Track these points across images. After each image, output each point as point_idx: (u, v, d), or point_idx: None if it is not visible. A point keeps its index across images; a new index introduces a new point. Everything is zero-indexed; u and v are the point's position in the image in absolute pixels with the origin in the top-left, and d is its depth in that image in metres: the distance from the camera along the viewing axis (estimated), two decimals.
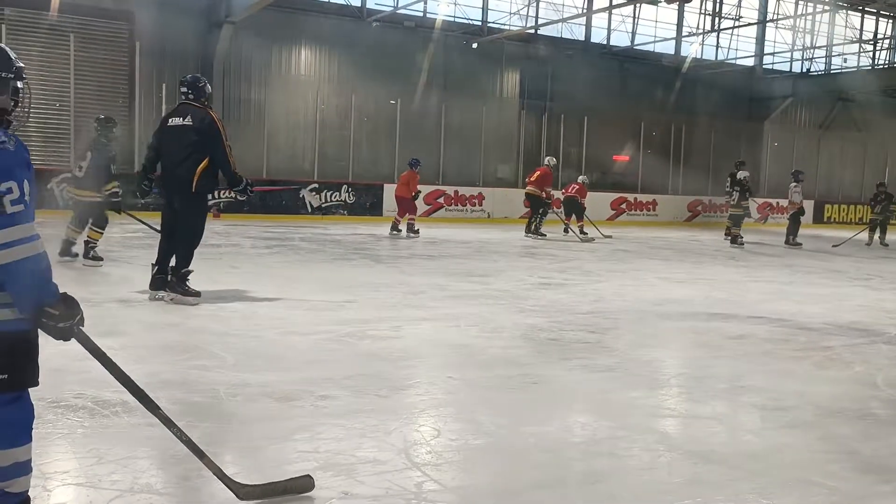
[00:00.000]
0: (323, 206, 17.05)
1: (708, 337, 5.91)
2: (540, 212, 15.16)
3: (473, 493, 2.81)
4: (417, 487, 2.77)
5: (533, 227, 15.04)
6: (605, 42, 23.75)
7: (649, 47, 24.18)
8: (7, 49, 2.27)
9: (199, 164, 6.11)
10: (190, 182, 6.09)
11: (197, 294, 6.18)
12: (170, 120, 6.37)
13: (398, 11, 19.96)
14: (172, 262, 6.25)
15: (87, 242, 8.30)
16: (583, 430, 3.60)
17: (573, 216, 15.79)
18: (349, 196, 17.39)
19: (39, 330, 2.15)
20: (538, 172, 15.18)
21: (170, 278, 6.16)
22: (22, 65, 2.29)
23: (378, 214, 17.45)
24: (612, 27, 23.63)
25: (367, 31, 19.80)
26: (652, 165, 22.70)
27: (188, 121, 6.19)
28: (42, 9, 15.83)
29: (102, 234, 8.46)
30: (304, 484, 2.67)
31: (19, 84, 2.26)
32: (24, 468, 2.19)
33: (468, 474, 2.99)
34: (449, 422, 3.62)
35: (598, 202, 20.67)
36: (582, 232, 15.27)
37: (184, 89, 6.41)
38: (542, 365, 4.77)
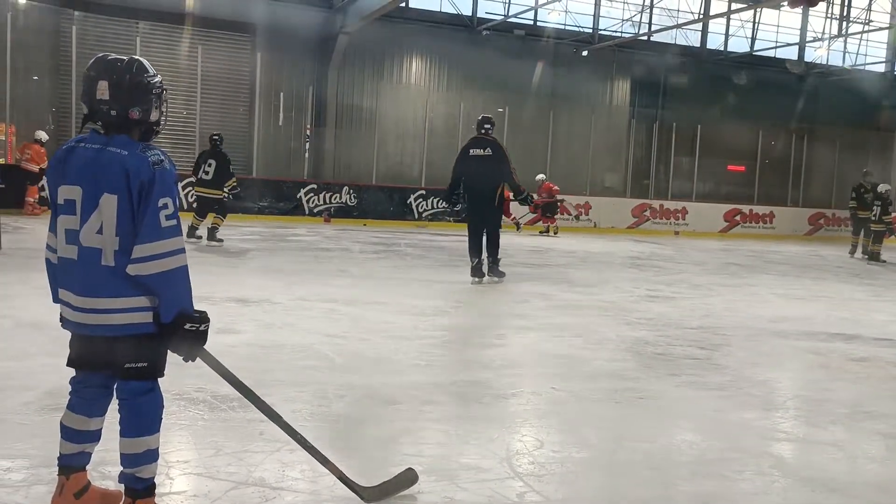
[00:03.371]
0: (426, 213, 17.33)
1: (828, 358, 5.60)
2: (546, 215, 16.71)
3: None
4: (520, 498, 2.77)
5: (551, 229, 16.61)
6: (721, 48, 22.95)
7: (770, 53, 23.17)
8: (148, 64, 2.42)
9: (498, 183, 8.07)
10: (493, 197, 8.09)
11: (503, 274, 8.24)
12: (471, 151, 8.23)
13: (508, 20, 20.00)
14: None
15: (212, 228, 10.63)
16: (691, 449, 3.49)
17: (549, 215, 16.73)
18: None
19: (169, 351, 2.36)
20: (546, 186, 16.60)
21: (487, 266, 8.20)
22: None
23: None
24: (729, 32, 22.82)
25: (477, 41, 19.94)
26: (770, 176, 21.73)
27: (487, 151, 8.11)
28: (173, 23, 16.84)
29: (223, 221, 10.83)
30: (411, 477, 2.74)
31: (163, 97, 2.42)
32: (153, 455, 2.35)
33: (571, 487, 2.95)
34: (552, 433, 3.59)
35: (710, 213, 20.03)
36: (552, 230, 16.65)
37: (487, 126, 8.28)
38: (648, 380, 4.66)
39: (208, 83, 16.84)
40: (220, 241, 10.57)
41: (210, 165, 10.65)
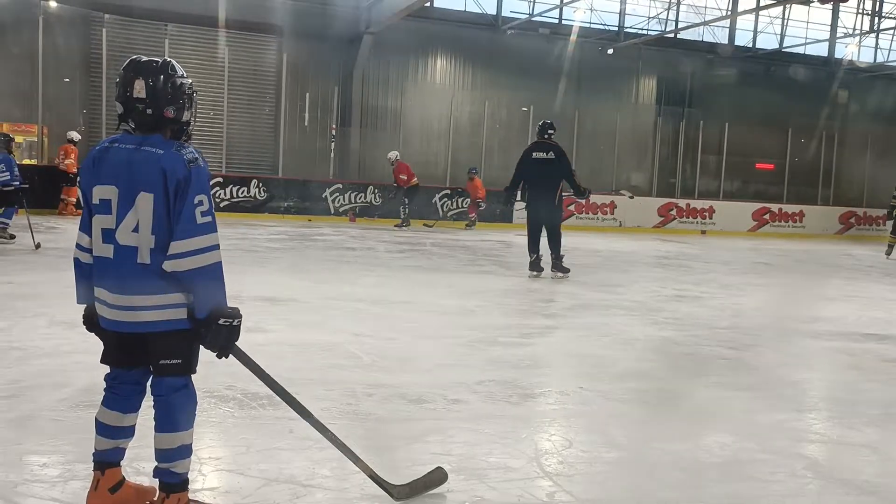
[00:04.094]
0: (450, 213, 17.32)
1: (862, 358, 5.51)
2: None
3: None
4: (549, 497, 2.76)
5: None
6: (750, 45, 22.68)
7: (799, 49, 22.86)
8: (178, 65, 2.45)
9: (559, 184, 8.74)
10: (554, 197, 8.77)
11: (568, 270, 8.73)
12: (534, 154, 8.86)
13: (533, 19, 19.94)
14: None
15: None
16: (722, 450, 3.45)
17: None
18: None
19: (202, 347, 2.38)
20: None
21: (551, 263, 8.77)
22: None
23: (508, 221, 17.47)
24: (758, 29, 22.54)
25: (502, 40, 19.91)
26: (799, 174, 21.43)
27: (550, 155, 8.76)
28: (200, 24, 17.02)
29: None
30: (440, 476, 2.75)
31: (194, 98, 2.46)
32: (187, 451, 2.39)
33: (600, 488, 2.94)
34: (580, 433, 3.58)
35: (738, 212, 19.80)
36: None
37: (551, 132, 8.91)
38: (677, 380, 4.62)
39: (235, 84, 17.00)
40: None
41: None
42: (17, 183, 9.21)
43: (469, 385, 4.14)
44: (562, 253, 8.82)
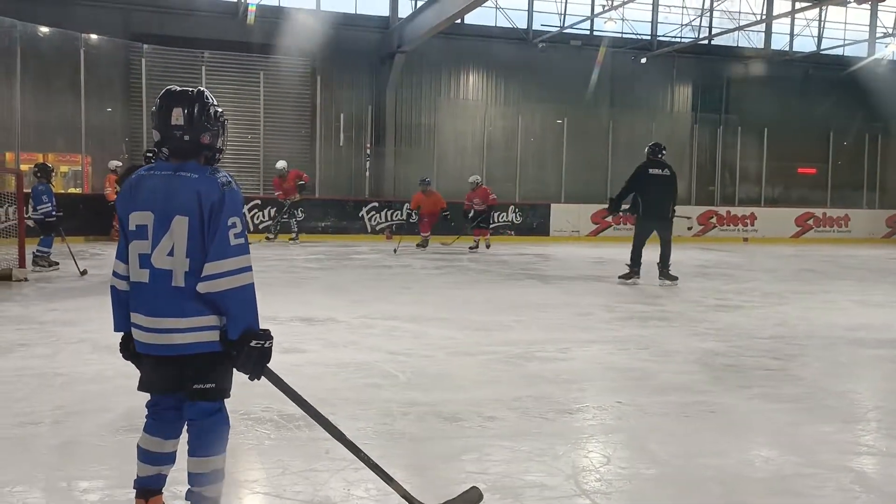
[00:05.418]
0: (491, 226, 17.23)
1: None
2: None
3: None
4: None
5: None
6: (786, 48, 22.33)
7: (837, 51, 22.43)
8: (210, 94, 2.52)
9: (673, 199, 9.56)
10: (668, 212, 9.52)
11: (676, 278, 9.48)
12: (650, 170, 9.53)
13: (564, 31, 19.91)
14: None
15: None
16: (766, 464, 3.36)
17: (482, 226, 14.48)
18: (516, 216, 17.48)
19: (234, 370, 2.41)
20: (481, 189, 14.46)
21: (659, 272, 9.53)
22: None
23: (545, 234, 17.40)
24: (794, 32, 22.18)
25: (534, 53, 19.91)
26: (843, 177, 20.96)
27: (666, 172, 9.57)
28: (235, 50, 17.36)
29: None
30: (476, 496, 2.73)
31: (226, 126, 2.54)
32: (220, 475, 2.41)
33: None
34: (619, 449, 3.52)
35: (780, 218, 19.44)
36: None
37: (664, 151, 9.70)
38: (719, 392, 4.52)
39: (271, 108, 17.27)
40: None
41: None
42: (55, 212, 9.56)
43: (505, 402, 4.11)
44: (669, 263, 9.61)
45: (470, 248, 14.08)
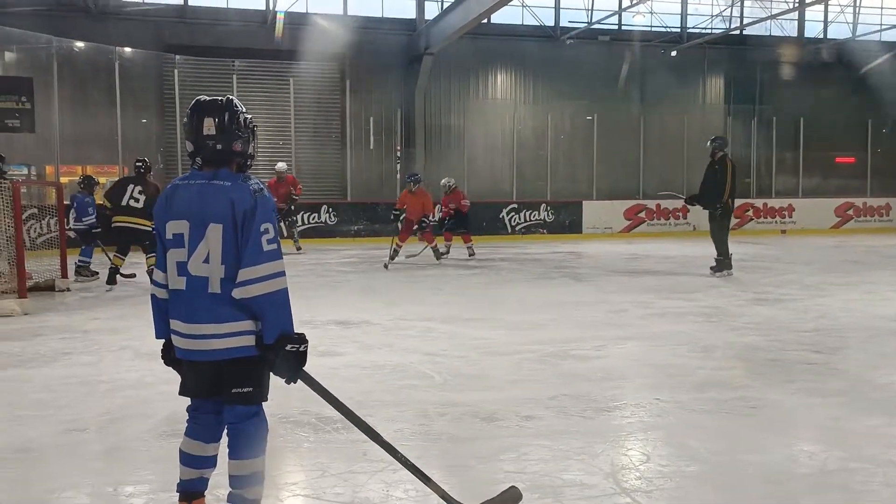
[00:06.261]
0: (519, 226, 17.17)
1: None
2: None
3: None
4: None
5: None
6: (821, 36, 21.91)
7: (874, 37, 21.93)
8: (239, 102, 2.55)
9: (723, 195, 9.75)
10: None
11: (729, 267, 9.79)
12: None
13: (592, 27, 19.78)
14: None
15: (151, 269, 8.62)
16: (810, 460, 3.30)
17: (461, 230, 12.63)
18: (548, 215, 17.40)
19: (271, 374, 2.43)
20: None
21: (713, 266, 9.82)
22: None
23: (577, 232, 17.29)
24: (828, 19, 21.75)
25: (562, 50, 19.81)
26: (883, 165, 20.48)
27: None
28: (266, 58, 17.56)
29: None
30: (515, 495, 2.73)
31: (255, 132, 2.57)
32: (260, 477, 2.44)
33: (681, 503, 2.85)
34: (659, 446, 3.48)
35: (819, 209, 19.07)
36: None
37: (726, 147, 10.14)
38: (760, 388, 4.45)
39: (301, 113, 17.42)
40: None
41: (140, 193, 8.99)
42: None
43: (542, 401, 4.09)
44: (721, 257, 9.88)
45: (437, 253, 11.92)
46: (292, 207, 13.49)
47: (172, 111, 15.93)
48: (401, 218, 11.54)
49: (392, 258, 11.29)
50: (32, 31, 14.63)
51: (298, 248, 13.36)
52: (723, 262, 9.81)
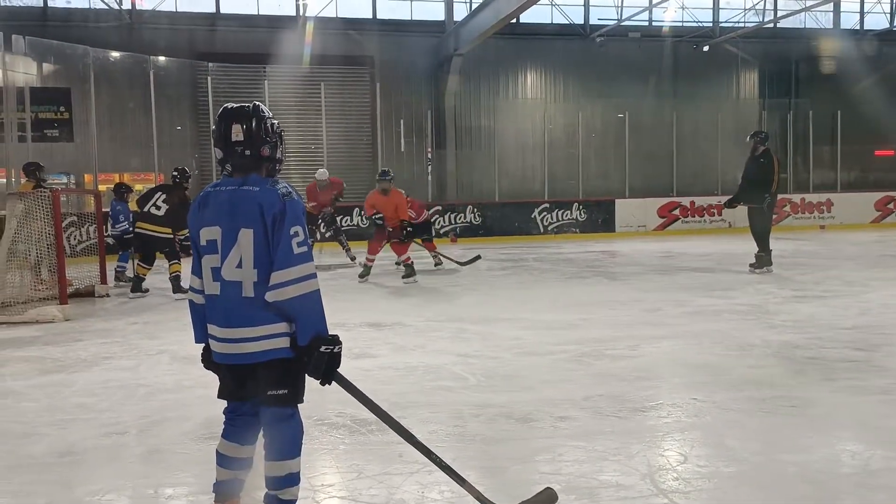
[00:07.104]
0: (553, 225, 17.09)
1: None
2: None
3: None
4: None
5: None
6: (857, 27, 21.46)
7: None
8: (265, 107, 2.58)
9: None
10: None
11: (770, 263, 9.70)
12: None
13: (622, 24, 19.62)
14: None
15: (174, 276, 8.63)
16: (853, 459, 3.23)
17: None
18: (580, 214, 17.29)
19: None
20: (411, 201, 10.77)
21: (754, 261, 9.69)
22: None
23: (610, 231, 17.16)
24: (864, 10, 21.29)
25: (592, 48, 19.69)
26: None
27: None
28: (296, 63, 17.71)
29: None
30: (550, 496, 2.72)
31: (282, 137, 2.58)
32: (295, 479, 2.46)
33: None
34: (696, 446, 3.44)
35: (859, 203, 18.66)
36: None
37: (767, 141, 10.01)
38: (800, 386, 4.37)
39: (332, 117, 17.53)
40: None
41: (164, 201, 8.73)
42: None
43: (576, 401, 4.06)
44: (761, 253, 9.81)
45: (396, 263, 10.79)
46: (331, 211, 12.24)
47: (206, 117, 16.15)
48: (381, 222, 9.83)
49: (364, 275, 9.86)
50: (69, 42, 14.96)
51: (353, 259, 11.90)
52: (763, 259, 9.67)
